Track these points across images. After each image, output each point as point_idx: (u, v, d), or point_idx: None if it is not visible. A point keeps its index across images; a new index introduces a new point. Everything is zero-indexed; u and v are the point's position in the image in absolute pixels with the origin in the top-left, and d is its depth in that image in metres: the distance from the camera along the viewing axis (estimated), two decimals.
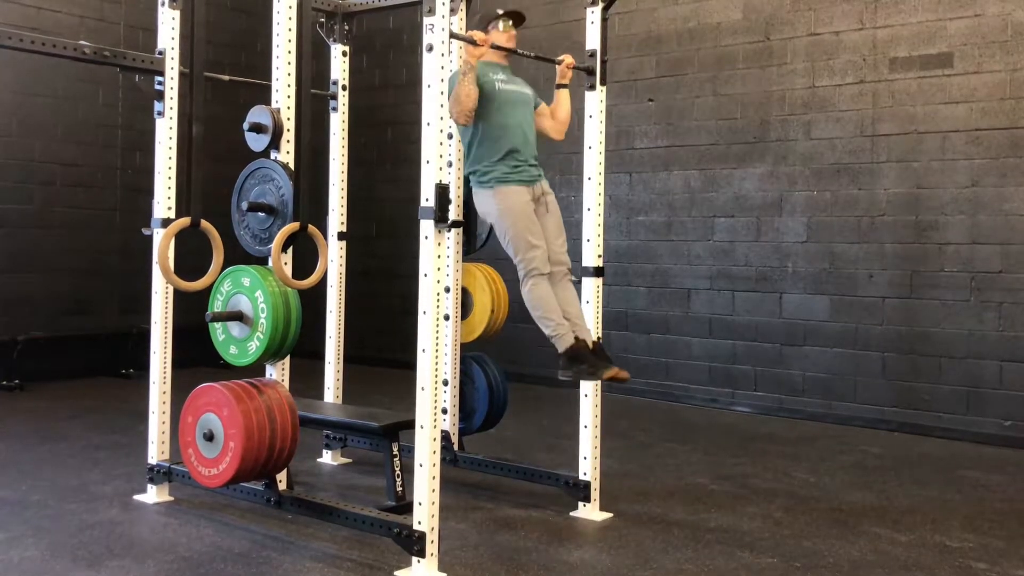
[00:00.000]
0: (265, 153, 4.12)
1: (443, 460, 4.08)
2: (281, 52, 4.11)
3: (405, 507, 3.95)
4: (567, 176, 7.51)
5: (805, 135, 6.72)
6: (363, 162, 8.61)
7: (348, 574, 3.52)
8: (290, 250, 4.10)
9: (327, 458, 5.24)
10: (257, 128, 4.10)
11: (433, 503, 3.42)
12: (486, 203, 4.15)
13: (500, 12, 4.29)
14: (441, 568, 3.49)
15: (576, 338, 4.01)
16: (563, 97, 4.40)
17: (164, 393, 4.43)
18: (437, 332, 3.43)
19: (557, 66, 4.34)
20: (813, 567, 3.68)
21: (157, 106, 4.42)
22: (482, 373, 4.82)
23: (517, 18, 4.33)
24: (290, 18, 4.12)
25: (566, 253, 4.21)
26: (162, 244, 3.94)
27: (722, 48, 7.07)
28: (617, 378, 3.99)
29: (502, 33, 4.27)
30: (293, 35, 4.12)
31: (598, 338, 4.19)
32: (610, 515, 4.29)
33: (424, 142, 3.41)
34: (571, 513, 4.31)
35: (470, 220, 4.71)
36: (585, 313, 4.28)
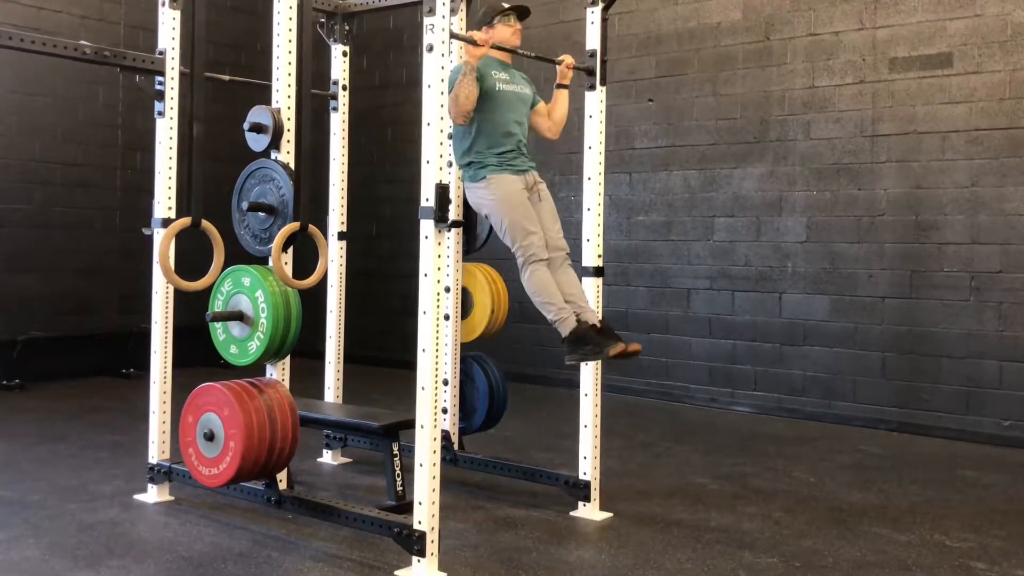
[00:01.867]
0: (265, 153, 4.13)
1: (443, 460, 4.08)
2: (281, 52, 4.11)
3: (405, 507, 3.95)
4: (567, 176, 7.52)
5: (805, 135, 6.72)
6: (363, 162, 8.60)
7: (348, 574, 3.52)
8: (290, 250, 4.10)
9: (327, 458, 5.24)
10: (257, 128, 4.10)
11: (433, 503, 3.42)
12: (480, 195, 4.14)
13: (505, 6, 4.23)
14: (441, 568, 3.49)
15: (579, 320, 3.96)
16: (562, 97, 4.38)
17: (164, 393, 4.43)
18: (437, 332, 3.43)
19: (557, 66, 4.33)
20: (813, 567, 3.69)
21: (157, 106, 4.42)
22: (482, 373, 4.82)
23: (522, 12, 4.27)
24: (290, 18, 4.12)
25: (563, 239, 4.18)
26: (163, 244, 3.94)
27: (722, 48, 7.07)
28: (627, 352, 3.88)
29: (507, 27, 4.21)
30: (293, 35, 4.12)
31: (602, 318, 4.12)
32: (610, 515, 4.29)
33: (424, 142, 3.41)
34: (571, 513, 4.31)
35: (470, 220, 4.71)
36: None
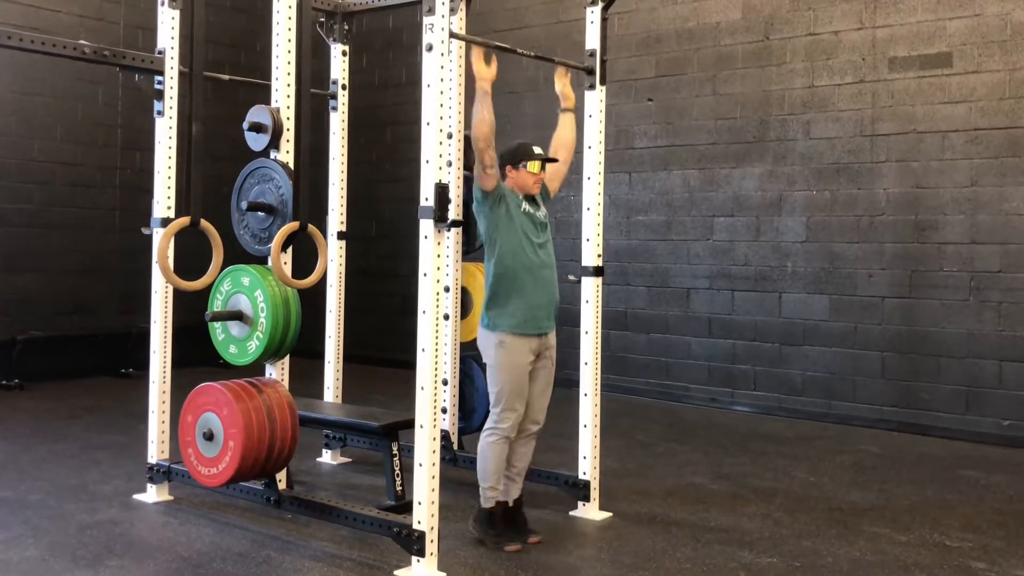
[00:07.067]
0: (265, 153, 4.12)
1: (443, 459, 4.08)
2: (281, 52, 4.11)
3: (405, 506, 3.95)
4: (567, 176, 7.50)
5: (804, 135, 6.72)
6: (363, 162, 8.60)
7: (348, 573, 3.52)
8: (290, 250, 4.10)
9: (327, 458, 5.24)
10: (257, 128, 4.10)
11: (433, 502, 3.42)
12: (488, 345, 3.96)
13: (536, 151, 4.00)
14: (441, 567, 3.49)
15: (497, 502, 3.93)
16: (567, 121, 4.19)
17: (164, 393, 4.43)
18: (437, 332, 3.43)
19: (558, 92, 4.17)
20: (813, 567, 3.69)
21: (157, 106, 4.42)
22: (482, 372, 4.81)
23: (549, 162, 4.10)
24: (290, 18, 4.12)
25: (544, 412, 4.08)
26: (162, 244, 3.94)
27: (721, 48, 7.07)
28: (522, 549, 3.89)
29: (530, 175, 3.97)
30: (293, 35, 4.12)
31: (520, 495, 4.05)
32: (610, 515, 4.29)
33: (423, 142, 3.41)
34: (571, 513, 4.31)
35: (470, 220, 4.70)
36: (585, 313, 4.28)
